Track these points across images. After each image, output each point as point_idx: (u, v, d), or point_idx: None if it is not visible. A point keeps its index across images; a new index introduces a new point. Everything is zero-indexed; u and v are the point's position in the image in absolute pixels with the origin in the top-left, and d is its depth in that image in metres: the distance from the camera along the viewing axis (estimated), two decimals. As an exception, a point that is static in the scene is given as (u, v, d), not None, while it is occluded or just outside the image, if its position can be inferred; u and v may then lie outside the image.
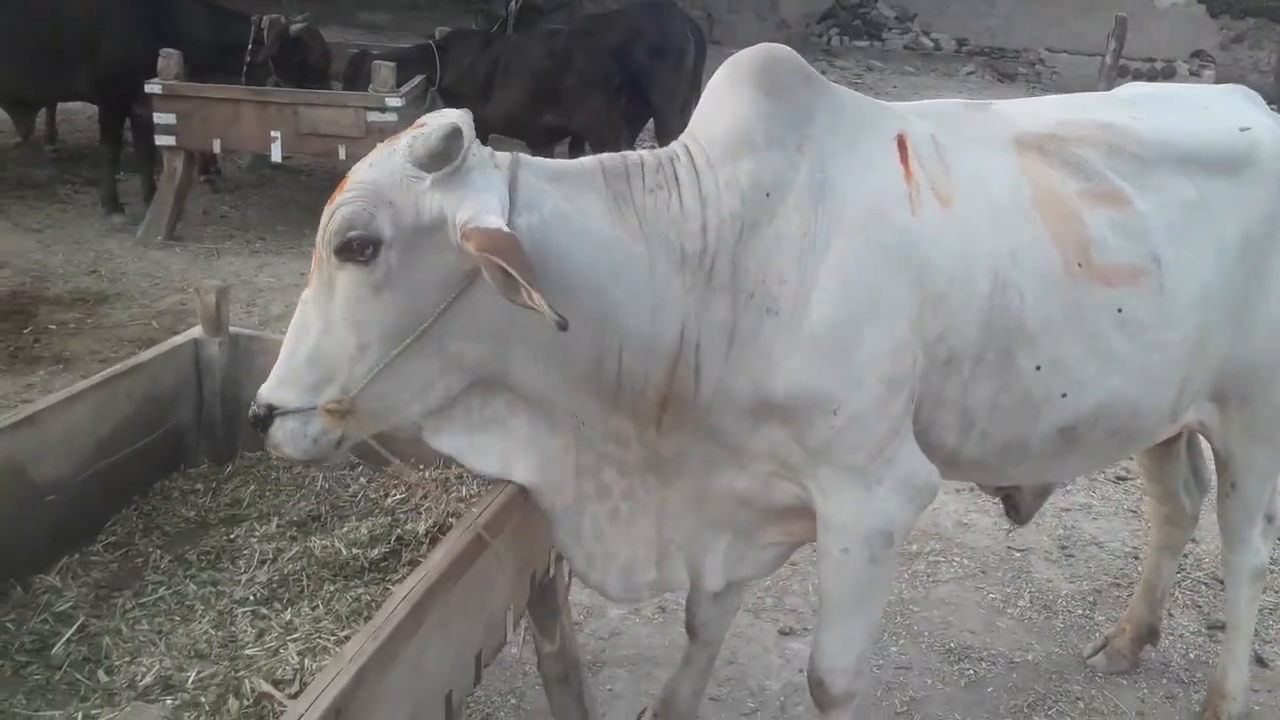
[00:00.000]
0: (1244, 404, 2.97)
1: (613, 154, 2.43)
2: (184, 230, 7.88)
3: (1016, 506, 3.22)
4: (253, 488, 3.13)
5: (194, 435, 3.19)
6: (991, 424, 2.59)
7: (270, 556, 2.76)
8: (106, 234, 7.69)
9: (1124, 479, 5.05)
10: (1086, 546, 4.52)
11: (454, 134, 2.09)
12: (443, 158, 2.11)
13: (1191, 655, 3.85)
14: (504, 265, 1.99)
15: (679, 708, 3.15)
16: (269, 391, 2.26)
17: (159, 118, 7.26)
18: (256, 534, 2.87)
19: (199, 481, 3.12)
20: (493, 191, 2.14)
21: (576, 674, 3.19)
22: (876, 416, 2.41)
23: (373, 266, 2.14)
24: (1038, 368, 2.54)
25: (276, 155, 7.39)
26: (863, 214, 2.39)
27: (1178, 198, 2.69)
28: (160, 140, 7.37)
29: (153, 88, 7.17)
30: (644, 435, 2.49)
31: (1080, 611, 4.06)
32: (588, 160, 2.40)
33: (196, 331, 3.18)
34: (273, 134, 7.23)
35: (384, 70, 7.22)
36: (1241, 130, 2.83)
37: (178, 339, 3.16)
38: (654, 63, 8.56)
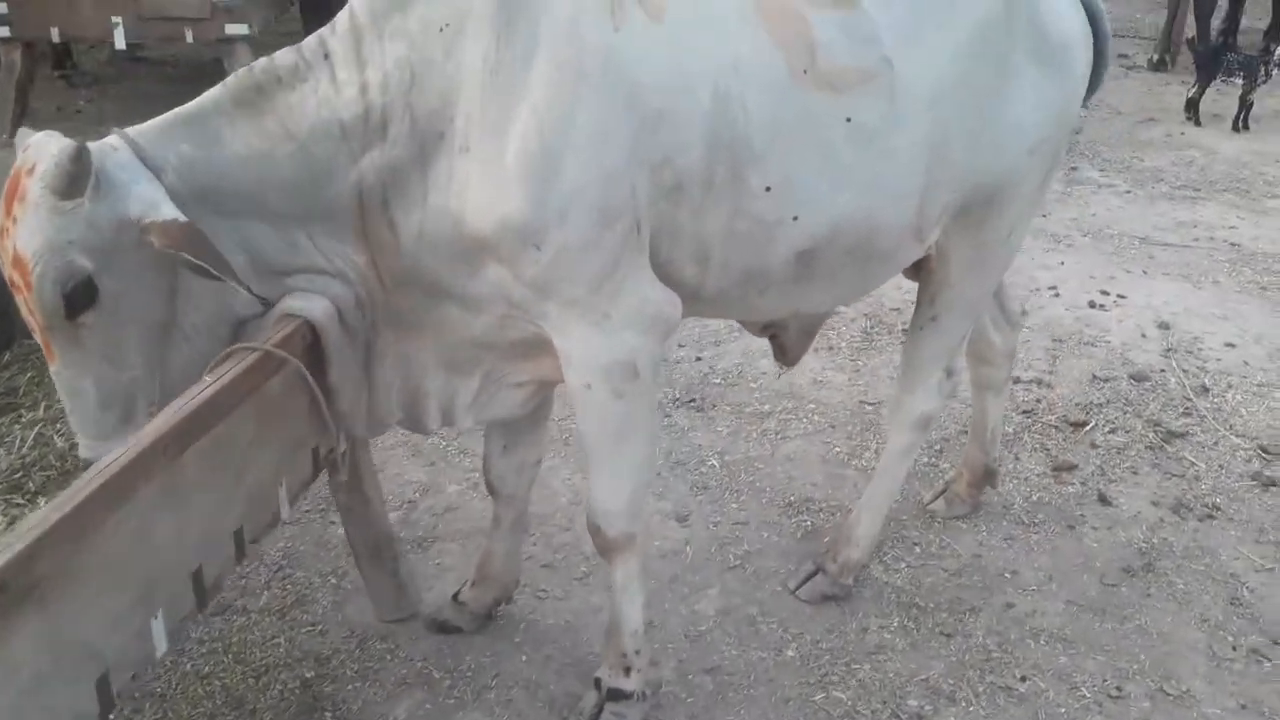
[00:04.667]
0: (982, 222, 2.85)
1: (242, 72, 2.34)
2: (33, 127, 7.46)
3: (783, 347, 3.14)
4: (31, 374, 2.98)
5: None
6: (729, 253, 2.52)
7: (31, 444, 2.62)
8: (-53, 135, 7.26)
9: (985, 329, 5.01)
10: (941, 397, 4.49)
11: (78, 154, 2.08)
12: (82, 177, 2.10)
13: (1034, 497, 3.84)
14: (191, 260, 2.11)
15: (494, 569, 3.08)
16: (90, 450, 2.28)
17: (-10, 7, 6.80)
18: (22, 421, 2.72)
19: (-24, 370, 2.96)
20: (140, 179, 2.18)
21: (390, 549, 3.09)
22: (589, 249, 2.33)
23: (100, 303, 2.17)
24: (768, 188, 2.46)
25: (120, 42, 6.94)
26: (557, 35, 2.27)
27: None
28: (-7, 31, 6.92)
29: (-22, -26, 6.71)
30: (374, 295, 2.48)
31: (926, 460, 4.02)
32: (209, 94, 2.33)
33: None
34: (113, 19, 6.80)
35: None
36: None
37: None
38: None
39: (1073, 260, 5.82)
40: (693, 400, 4.34)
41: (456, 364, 2.62)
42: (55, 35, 7.01)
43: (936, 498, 3.75)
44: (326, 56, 2.32)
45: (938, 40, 2.58)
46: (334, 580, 3.31)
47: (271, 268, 2.41)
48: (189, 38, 6.89)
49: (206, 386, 2.16)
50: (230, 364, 2.24)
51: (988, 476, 3.69)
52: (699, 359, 4.65)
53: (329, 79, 2.31)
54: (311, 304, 2.41)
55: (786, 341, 3.11)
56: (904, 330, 4.82)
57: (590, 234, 2.33)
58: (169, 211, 2.15)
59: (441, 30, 2.28)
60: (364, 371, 2.58)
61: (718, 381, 4.50)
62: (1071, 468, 4.00)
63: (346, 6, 2.35)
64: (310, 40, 2.36)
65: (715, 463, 3.94)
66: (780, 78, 2.43)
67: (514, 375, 2.66)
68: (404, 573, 3.13)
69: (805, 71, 2.44)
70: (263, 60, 2.34)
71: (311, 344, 2.43)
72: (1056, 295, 5.39)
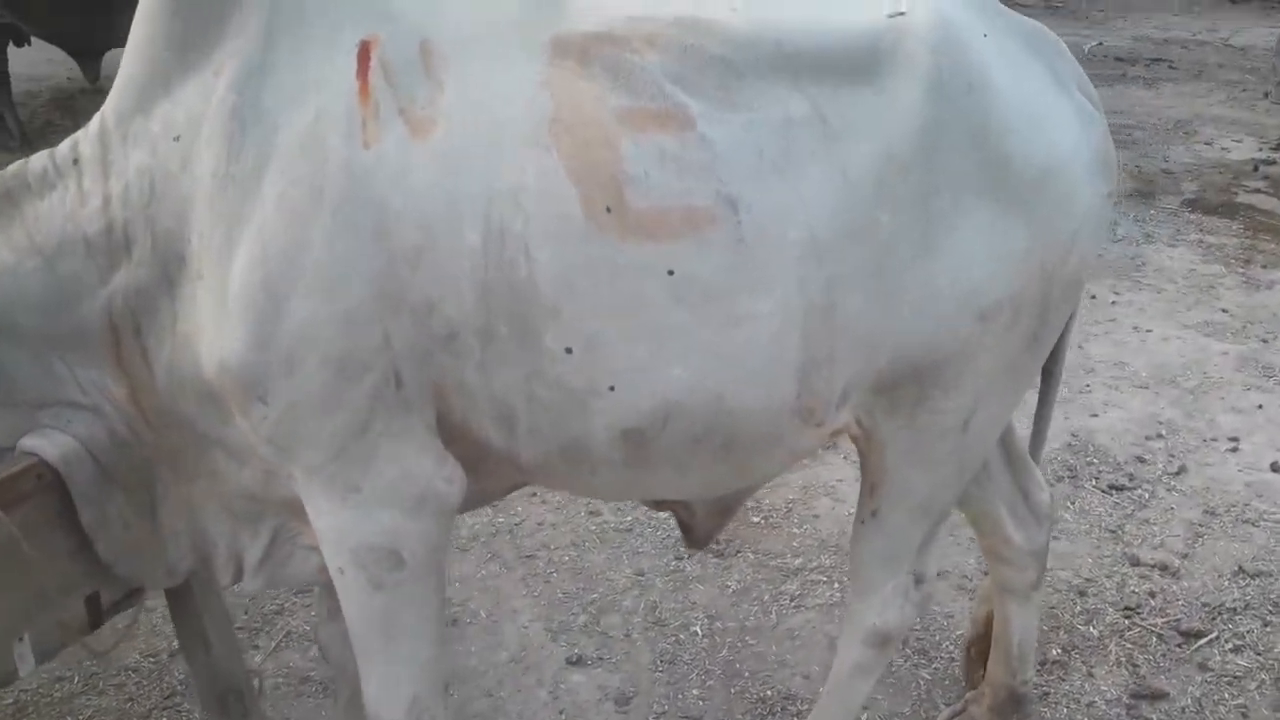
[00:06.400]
0: (918, 402, 2.16)
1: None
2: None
3: (685, 525, 2.52)
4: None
5: None
6: (535, 420, 2.03)
7: None
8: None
9: (1120, 488, 4.08)
10: (1026, 573, 3.63)
11: None
12: None
13: (1091, 731, 2.99)
14: None
15: (339, 751, 2.67)
16: None
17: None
18: None
19: None
20: None
21: (239, 703, 2.74)
22: (326, 407, 1.93)
23: None
24: (568, 350, 1.95)
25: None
26: (294, 146, 1.88)
27: (776, 116, 1.95)
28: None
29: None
30: (140, 431, 2.15)
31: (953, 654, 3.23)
32: None
33: None
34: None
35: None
36: (891, 17, 2.01)
37: None
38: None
39: (1277, 406, 4.70)
40: (716, 542, 3.72)
41: (240, 515, 2.27)
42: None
43: (952, 719, 2.98)
44: (76, 162, 2.03)
45: (814, 176, 1.95)
46: (214, 720, 2.99)
47: (26, 398, 2.11)
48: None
49: None
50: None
51: (1014, 703, 2.87)
52: (750, 490, 4.03)
53: (76, 188, 2.02)
54: (49, 442, 2.10)
55: (688, 519, 2.52)
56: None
57: (326, 388, 1.92)
58: None
59: (178, 139, 1.95)
60: (145, 515, 2.26)
61: (757, 520, 3.87)
62: (1159, 696, 3.09)
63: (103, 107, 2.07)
64: (66, 142, 2.08)
65: (699, 629, 3.33)
66: (573, 215, 1.90)
67: (306, 536, 2.26)
68: (254, 730, 2.76)
69: (608, 210, 1.90)
70: (17, 164, 2.09)
71: (55, 484, 2.14)
72: (1234, 449, 4.34)
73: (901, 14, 1.99)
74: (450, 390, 2.00)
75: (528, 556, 3.65)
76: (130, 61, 2.00)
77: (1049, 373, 2.54)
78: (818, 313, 1.99)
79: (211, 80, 1.92)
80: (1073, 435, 4.41)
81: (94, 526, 2.17)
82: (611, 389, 1.98)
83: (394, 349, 1.92)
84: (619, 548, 3.71)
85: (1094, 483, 4.11)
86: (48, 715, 3.00)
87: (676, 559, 3.66)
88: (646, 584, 3.54)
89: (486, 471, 2.15)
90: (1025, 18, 2.21)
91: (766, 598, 3.49)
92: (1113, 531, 3.83)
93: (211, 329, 1.93)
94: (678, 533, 3.69)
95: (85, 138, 2.04)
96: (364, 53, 1.91)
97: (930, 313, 2.06)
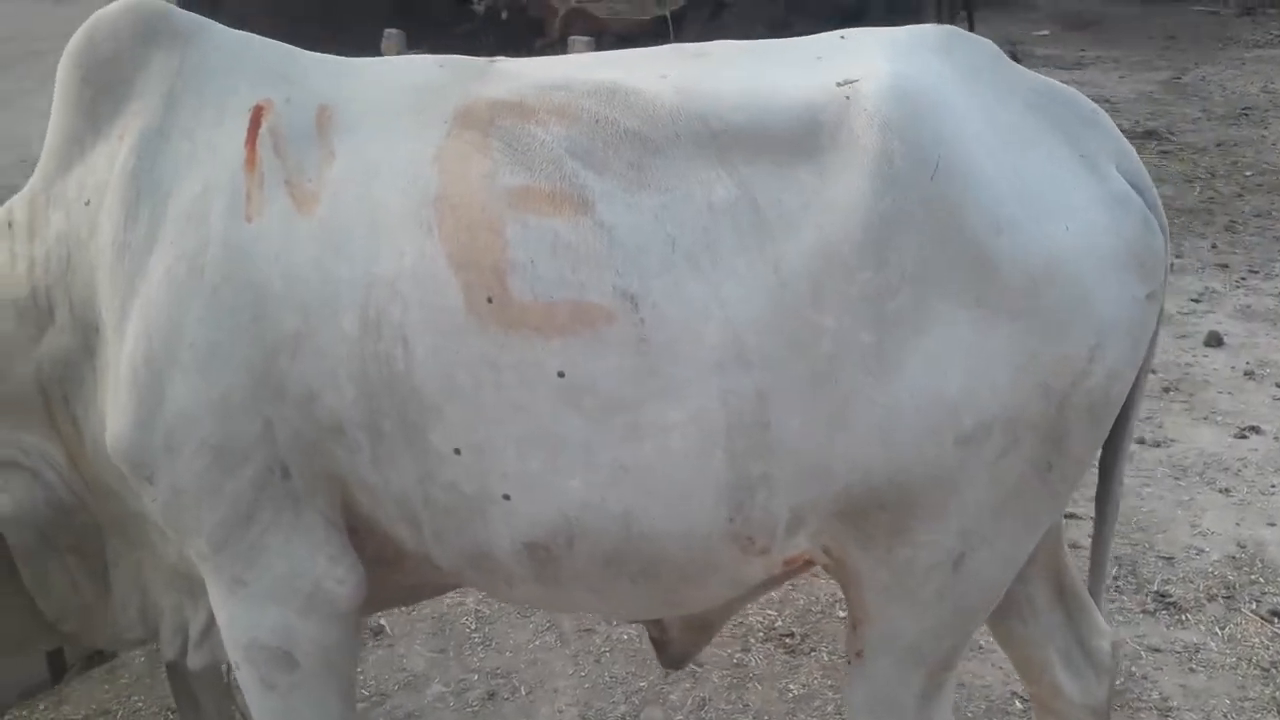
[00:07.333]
0: (894, 534, 1.81)
1: None
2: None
3: (657, 643, 2.26)
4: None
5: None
6: (438, 524, 1.87)
7: None
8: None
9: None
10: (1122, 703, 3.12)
11: None
12: None
13: None
14: None
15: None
16: None
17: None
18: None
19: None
20: None
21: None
22: (205, 494, 1.84)
23: None
24: (457, 451, 1.77)
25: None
26: (182, 217, 1.82)
27: (695, 199, 1.71)
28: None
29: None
30: (84, 497, 2.13)
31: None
32: None
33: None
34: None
35: (579, 45, 6.80)
36: (840, 86, 1.69)
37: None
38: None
39: None
40: (790, 635, 3.42)
41: (180, 589, 2.21)
42: None
43: None
44: (10, 225, 2.05)
45: (739, 271, 1.69)
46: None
47: None
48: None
49: None
50: None
51: None
52: (844, 578, 3.67)
53: (8, 251, 2.03)
54: None
55: (660, 636, 2.26)
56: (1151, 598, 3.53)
57: (205, 477, 1.84)
58: None
59: (88, 203, 1.92)
60: (98, 580, 2.24)
61: (844, 615, 3.52)
62: None
63: None
64: (4, 206, 2.11)
65: (742, 737, 3.04)
66: (452, 306, 1.74)
67: None
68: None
69: (490, 301, 1.72)
70: None
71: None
72: None
73: (852, 82, 1.69)
74: (351, 484, 1.88)
75: (586, 630, 3.45)
76: (52, 127, 2.00)
77: (1104, 499, 2.13)
78: (745, 428, 1.72)
79: (116, 145, 1.89)
80: (1239, 546, 3.80)
81: (35, 586, 2.18)
82: (507, 497, 1.80)
83: (277, 439, 1.82)
84: (684, 631, 3.46)
85: (1254, 606, 3.51)
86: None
87: (743, 650, 3.37)
88: (702, 676, 3.26)
89: (408, 570, 2.00)
90: (1046, 80, 1.85)
91: (830, 709, 3.14)
92: (1265, 670, 3.24)
93: (111, 403, 1.88)
94: (750, 621, 3.44)
95: (19, 201, 2.06)
96: (254, 118, 1.83)
97: (892, 434, 1.74)
